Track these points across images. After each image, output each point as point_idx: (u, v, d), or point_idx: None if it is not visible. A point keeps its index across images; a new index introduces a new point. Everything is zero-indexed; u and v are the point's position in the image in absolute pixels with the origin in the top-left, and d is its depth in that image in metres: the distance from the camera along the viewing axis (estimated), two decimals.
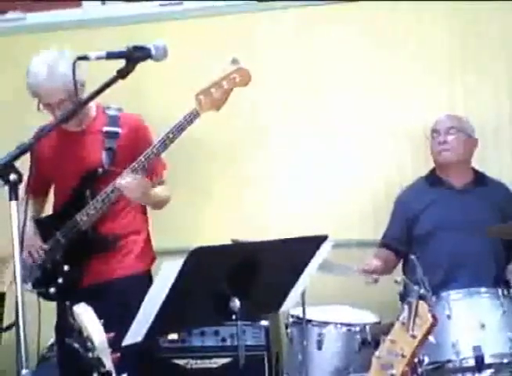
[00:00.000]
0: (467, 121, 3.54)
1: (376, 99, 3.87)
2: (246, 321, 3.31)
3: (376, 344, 3.11)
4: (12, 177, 1.98)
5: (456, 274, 3.31)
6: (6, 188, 2.00)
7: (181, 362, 3.52)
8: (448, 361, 2.94)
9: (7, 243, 2.01)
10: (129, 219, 3.03)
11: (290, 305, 2.50)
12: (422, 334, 1.83)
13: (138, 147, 2.90)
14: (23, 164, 2.11)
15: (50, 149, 2.99)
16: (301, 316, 3.21)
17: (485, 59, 3.78)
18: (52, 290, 2.98)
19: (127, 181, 2.79)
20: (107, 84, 2.14)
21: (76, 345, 1.93)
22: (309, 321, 3.25)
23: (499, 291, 3.04)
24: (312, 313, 3.26)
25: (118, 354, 1.93)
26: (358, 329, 3.24)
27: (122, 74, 2.13)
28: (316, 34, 3.90)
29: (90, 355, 1.90)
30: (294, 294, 2.44)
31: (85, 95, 2.63)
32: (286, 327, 3.41)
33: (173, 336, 3.52)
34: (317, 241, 2.34)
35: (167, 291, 2.10)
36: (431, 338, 1.89)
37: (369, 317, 3.36)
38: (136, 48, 2.15)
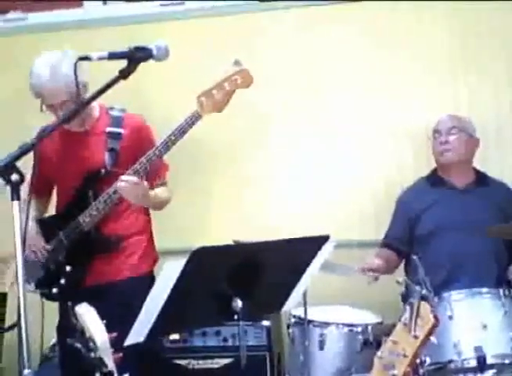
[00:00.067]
0: (469, 121, 3.54)
1: (377, 99, 3.87)
2: (248, 321, 3.32)
3: (378, 344, 3.11)
4: (14, 177, 1.99)
5: (457, 274, 3.31)
6: (8, 188, 2.00)
7: (182, 362, 3.53)
8: (450, 361, 2.93)
9: (9, 243, 2.01)
10: (132, 220, 3.03)
11: (292, 306, 2.50)
12: (424, 335, 1.83)
13: (140, 148, 2.90)
14: (25, 163, 2.11)
15: (53, 149, 2.99)
16: (302, 316, 3.21)
17: (486, 59, 3.78)
18: (54, 290, 2.98)
19: (126, 183, 2.78)
20: (109, 85, 2.14)
21: (78, 345, 1.93)
22: (311, 321, 3.25)
23: (501, 291, 3.04)
24: (314, 314, 3.26)
25: (120, 354, 1.93)
26: (360, 329, 3.24)
27: (124, 74, 2.13)
28: (317, 34, 3.91)
29: (92, 355, 1.90)
30: (296, 295, 2.44)
31: (88, 95, 2.63)
32: (288, 328, 3.42)
33: (175, 336, 3.52)
34: (319, 241, 2.34)
35: (169, 291, 2.10)
36: (433, 339, 1.89)
37: (371, 318, 3.36)
38: (138, 49, 2.15)
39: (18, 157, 2.02)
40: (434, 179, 3.55)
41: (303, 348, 3.23)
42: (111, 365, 1.89)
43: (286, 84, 3.92)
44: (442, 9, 3.76)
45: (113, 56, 2.16)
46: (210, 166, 3.98)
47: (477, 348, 2.87)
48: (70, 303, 2.01)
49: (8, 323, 3.63)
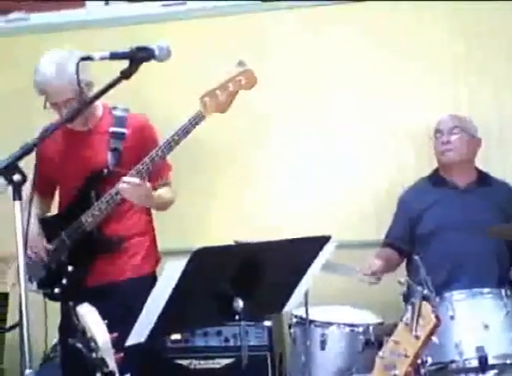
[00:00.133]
0: (470, 121, 3.54)
1: (378, 99, 3.87)
2: (250, 321, 3.29)
3: (380, 344, 3.11)
4: (16, 177, 1.99)
5: (459, 274, 3.31)
6: (10, 188, 2.00)
7: (184, 362, 3.53)
8: (452, 362, 2.94)
9: (11, 243, 2.01)
10: (134, 221, 3.02)
11: (293, 306, 2.50)
12: (425, 335, 1.83)
13: (144, 148, 2.88)
14: (28, 163, 2.11)
15: (56, 148, 2.98)
16: (304, 316, 3.21)
17: (488, 59, 3.78)
18: (56, 290, 2.97)
19: (128, 185, 2.77)
20: (111, 85, 2.14)
21: (79, 346, 1.93)
22: (312, 321, 3.25)
23: (503, 291, 3.04)
24: (315, 314, 3.26)
25: (121, 354, 1.93)
26: (361, 329, 3.24)
27: (126, 74, 2.14)
28: (318, 34, 3.91)
29: (93, 355, 1.90)
30: (297, 295, 2.44)
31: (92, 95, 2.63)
32: (290, 328, 3.42)
33: (176, 336, 3.53)
34: (320, 242, 2.34)
35: (170, 291, 2.10)
36: (434, 339, 1.89)
37: (372, 318, 3.36)
38: (140, 49, 2.15)
39: (20, 157, 2.02)
40: (436, 179, 3.55)
41: (304, 349, 3.24)
42: (112, 365, 1.89)
43: (286, 84, 3.92)
44: (443, 9, 3.76)
45: (114, 56, 2.16)
46: (210, 166, 3.98)
47: (479, 349, 2.88)
48: (71, 303, 2.01)
49: (10, 323, 3.64)
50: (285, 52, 3.93)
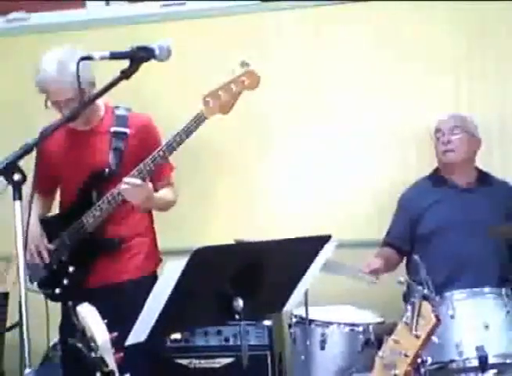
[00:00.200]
0: (471, 121, 3.54)
1: (379, 99, 3.87)
2: (250, 321, 3.31)
3: (380, 344, 3.12)
4: (16, 177, 1.99)
5: (459, 274, 3.30)
6: (10, 188, 2.01)
7: (184, 361, 3.53)
8: (452, 361, 2.94)
9: (11, 242, 2.02)
10: (135, 221, 3.01)
11: (293, 305, 2.50)
12: (425, 334, 1.83)
13: (146, 148, 2.87)
14: (27, 163, 2.12)
15: (58, 148, 2.97)
16: (304, 315, 3.21)
17: (490, 59, 3.78)
18: (57, 291, 2.97)
19: (129, 186, 2.76)
20: (111, 85, 2.15)
21: (79, 345, 1.93)
22: (312, 321, 3.25)
23: (503, 291, 3.04)
24: (315, 313, 3.26)
25: (121, 354, 1.93)
26: (361, 329, 3.24)
27: (126, 74, 2.14)
28: (319, 34, 3.91)
29: (93, 355, 1.90)
30: (297, 294, 2.44)
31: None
32: (290, 327, 3.42)
33: (176, 336, 3.53)
34: (320, 241, 2.34)
35: (170, 290, 2.10)
36: (434, 338, 1.89)
37: (372, 317, 3.36)
38: (140, 48, 2.16)
39: (20, 156, 2.03)
40: (436, 179, 3.55)
41: (304, 348, 3.24)
42: (112, 365, 1.89)
43: (286, 84, 3.92)
44: (443, 9, 3.76)
45: (115, 56, 2.16)
46: (211, 166, 3.99)
47: (479, 348, 2.87)
48: (70, 303, 2.01)
49: (10, 323, 3.63)
50: (285, 52, 3.93)
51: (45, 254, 2.96)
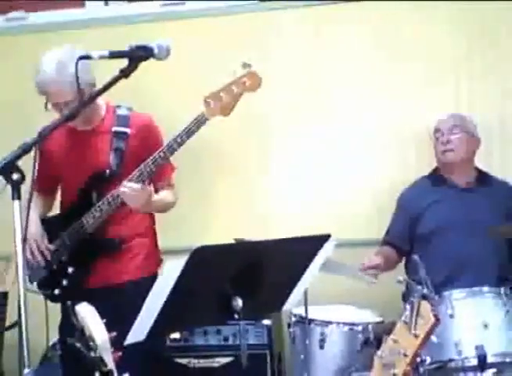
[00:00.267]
0: (470, 120, 3.54)
1: (379, 99, 3.87)
2: (249, 320, 3.31)
3: (379, 343, 3.12)
4: (15, 176, 1.99)
5: (458, 273, 3.31)
6: (9, 187, 2.01)
7: (183, 361, 3.53)
8: (451, 360, 2.93)
9: (11, 242, 2.02)
10: (136, 222, 2.99)
11: (293, 305, 2.50)
12: (424, 334, 1.83)
13: (147, 148, 2.86)
14: (26, 163, 2.11)
15: (59, 147, 2.96)
16: (303, 315, 3.21)
17: (490, 58, 3.79)
18: (56, 291, 2.96)
19: (128, 190, 2.74)
20: (110, 84, 2.15)
21: (78, 345, 1.93)
22: (312, 320, 3.25)
23: (503, 290, 3.04)
24: (315, 313, 3.26)
25: (120, 353, 1.93)
26: (360, 328, 3.24)
27: (125, 73, 2.14)
28: (319, 34, 3.91)
29: (92, 354, 1.90)
30: (297, 293, 2.44)
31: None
32: (289, 327, 3.42)
33: (175, 335, 3.53)
34: (320, 240, 2.34)
35: (169, 290, 2.10)
36: (433, 338, 1.89)
37: (371, 316, 3.36)
38: (139, 47, 2.16)
39: (19, 156, 2.03)
40: (436, 178, 3.55)
41: (304, 347, 3.24)
42: (111, 364, 1.89)
43: (287, 84, 3.92)
44: (444, 9, 3.77)
45: (114, 55, 2.16)
46: (210, 166, 3.98)
47: (478, 347, 2.87)
48: (69, 302, 2.01)
49: (10, 322, 3.63)
50: (285, 52, 3.93)
51: (47, 255, 2.95)
